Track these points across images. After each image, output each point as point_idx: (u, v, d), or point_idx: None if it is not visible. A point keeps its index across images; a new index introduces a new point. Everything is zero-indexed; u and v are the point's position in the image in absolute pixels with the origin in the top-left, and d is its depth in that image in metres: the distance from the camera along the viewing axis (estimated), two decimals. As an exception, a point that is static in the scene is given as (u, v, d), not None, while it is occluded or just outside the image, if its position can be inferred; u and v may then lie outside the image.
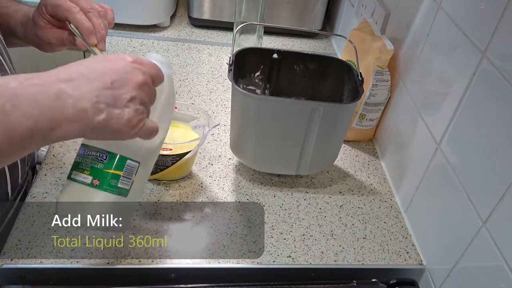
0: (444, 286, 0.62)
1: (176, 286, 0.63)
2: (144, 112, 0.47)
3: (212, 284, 0.64)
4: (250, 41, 1.03)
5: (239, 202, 0.73)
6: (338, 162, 0.84)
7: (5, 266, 0.59)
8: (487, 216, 0.54)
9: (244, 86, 0.80)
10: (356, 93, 0.71)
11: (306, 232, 0.70)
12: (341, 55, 0.91)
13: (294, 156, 0.72)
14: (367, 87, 0.81)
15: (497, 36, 0.54)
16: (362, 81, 0.71)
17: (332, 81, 0.79)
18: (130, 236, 0.65)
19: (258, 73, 0.80)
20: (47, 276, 0.61)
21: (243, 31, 1.02)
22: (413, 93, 0.76)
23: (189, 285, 0.63)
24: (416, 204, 0.72)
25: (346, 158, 0.86)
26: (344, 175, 0.82)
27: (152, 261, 0.62)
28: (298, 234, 0.69)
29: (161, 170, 0.70)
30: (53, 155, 0.76)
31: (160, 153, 0.66)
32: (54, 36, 0.65)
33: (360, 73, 0.72)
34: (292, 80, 0.80)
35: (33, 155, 0.75)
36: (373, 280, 0.66)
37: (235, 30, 1.03)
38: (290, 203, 0.74)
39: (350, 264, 0.66)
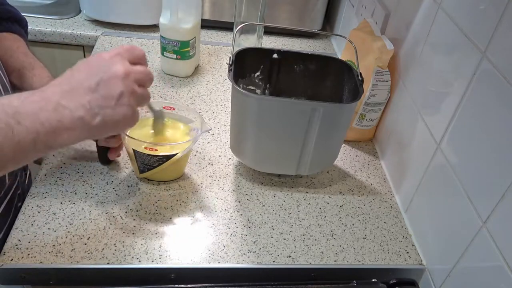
0: (444, 286, 0.63)
1: (176, 286, 0.63)
2: (138, 101, 0.51)
3: (212, 284, 0.64)
4: (250, 41, 1.03)
5: (239, 202, 0.73)
6: (338, 162, 0.84)
7: (5, 266, 0.59)
8: (487, 216, 0.54)
9: (244, 86, 0.80)
10: (356, 93, 0.71)
11: (306, 232, 0.70)
12: (341, 55, 0.91)
13: (294, 156, 0.72)
14: (367, 87, 0.81)
15: (497, 36, 0.54)
16: (362, 81, 0.71)
17: (332, 81, 0.79)
18: (130, 236, 0.65)
19: (258, 73, 0.80)
20: (47, 276, 0.61)
21: (243, 31, 1.02)
22: (413, 93, 0.76)
23: (189, 285, 0.63)
24: (416, 204, 0.72)
25: (346, 158, 0.86)
26: (344, 175, 0.82)
27: (152, 261, 0.62)
28: (298, 234, 0.69)
29: (148, 169, 0.70)
30: (53, 155, 0.76)
31: (146, 152, 0.67)
32: None
33: (360, 73, 0.72)
34: (292, 80, 0.81)
35: None
36: (373, 280, 0.66)
37: (235, 30, 1.03)
38: (290, 203, 0.74)
39: (350, 264, 0.66)
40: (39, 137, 0.44)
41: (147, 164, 0.69)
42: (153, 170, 0.70)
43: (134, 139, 0.65)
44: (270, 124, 0.69)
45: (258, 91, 0.82)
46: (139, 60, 0.52)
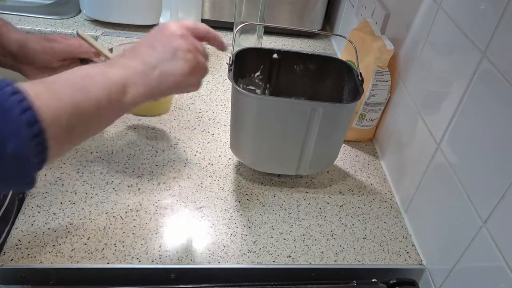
0: (444, 286, 0.63)
1: (176, 286, 0.63)
2: (196, 60, 0.53)
3: (212, 284, 0.64)
4: (250, 41, 1.03)
5: (239, 202, 0.73)
6: (338, 162, 0.84)
7: (5, 266, 0.59)
8: (487, 216, 0.54)
9: (244, 86, 0.80)
10: (356, 93, 0.71)
11: (306, 232, 0.70)
12: (341, 55, 0.91)
13: (294, 156, 0.72)
14: (367, 87, 0.81)
15: (497, 36, 0.54)
16: (362, 81, 0.71)
17: (332, 81, 0.79)
18: (130, 236, 0.65)
19: (258, 73, 0.80)
20: (47, 276, 0.61)
21: (243, 31, 1.02)
22: (413, 93, 0.76)
23: (189, 285, 0.64)
24: (416, 204, 0.72)
25: (346, 158, 0.86)
26: (344, 175, 0.82)
27: (152, 261, 0.62)
28: (298, 234, 0.69)
29: None
30: (53, 155, 0.76)
31: None
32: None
33: (360, 73, 0.72)
34: (292, 80, 0.81)
35: None
36: (373, 280, 0.66)
37: (235, 30, 1.03)
38: (290, 203, 0.74)
39: (350, 264, 0.66)
40: (111, 94, 0.46)
41: None
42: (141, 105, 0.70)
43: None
44: (270, 124, 0.68)
45: (258, 91, 0.82)
46: (198, 28, 0.56)
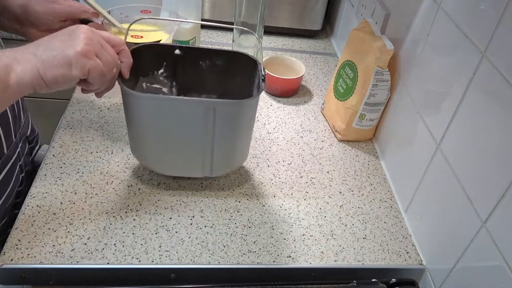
0: (444, 286, 0.63)
1: (176, 286, 0.63)
2: (94, 45, 0.53)
3: (212, 284, 0.64)
4: (250, 41, 1.03)
5: (239, 202, 0.73)
6: (338, 162, 0.84)
7: (5, 266, 0.59)
8: (487, 216, 0.54)
9: (148, 84, 0.75)
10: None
11: (306, 232, 0.70)
12: (341, 55, 0.91)
13: (196, 157, 0.68)
14: (367, 87, 0.81)
15: (497, 36, 0.54)
16: (265, 76, 0.67)
17: (241, 77, 0.75)
18: (130, 236, 0.65)
19: (161, 71, 0.75)
20: (47, 276, 0.61)
21: (243, 31, 1.02)
22: (413, 93, 0.76)
23: (189, 286, 0.64)
24: (416, 204, 0.72)
25: (346, 158, 0.86)
26: (344, 175, 0.82)
27: (152, 261, 0.62)
28: (298, 234, 0.69)
29: None
30: (53, 155, 0.76)
31: (132, 41, 0.68)
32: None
33: (264, 67, 0.68)
34: (199, 77, 0.76)
35: (23, 126, 0.76)
36: (373, 280, 0.66)
37: (235, 30, 1.03)
38: (290, 203, 0.74)
39: (350, 264, 0.66)
40: None
41: None
42: None
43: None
44: (163, 125, 0.64)
45: (164, 89, 0.77)
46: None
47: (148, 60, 0.72)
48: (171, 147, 0.67)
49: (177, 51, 0.73)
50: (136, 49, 0.68)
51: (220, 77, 0.76)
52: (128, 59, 0.60)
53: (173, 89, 0.78)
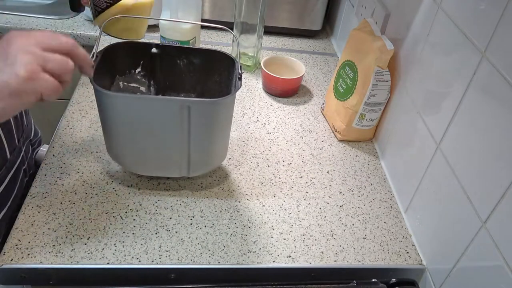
0: (444, 286, 0.63)
1: (176, 286, 0.63)
2: (38, 63, 0.46)
3: (212, 284, 0.64)
4: (250, 41, 1.03)
5: (239, 202, 0.73)
6: (338, 162, 0.84)
7: (5, 266, 0.59)
8: (487, 216, 0.54)
9: (125, 83, 0.74)
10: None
11: (306, 232, 0.70)
12: (341, 55, 0.91)
13: (172, 157, 0.67)
14: (367, 87, 0.81)
15: (497, 36, 0.54)
16: (241, 74, 0.66)
17: (219, 76, 0.74)
18: (130, 236, 0.65)
19: (139, 69, 0.74)
20: (47, 276, 0.61)
21: (243, 31, 1.02)
22: (413, 93, 0.76)
23: (189, 286, 0.64)
24: (416, 204, 0.72)
25: (346, 158, 0.86)
26: (344, 175, 0.82)
27: (152, 261, 0.62)
28: (298, 234, 0.69)
29: (99, 12, 0.67)
30: (53, 155, 0.76)
31: None
32: None
33: (241, 66, 0.67)
34: (178, 75, 0.75)
35: (25, 130, 0.76)
36: (373, 280, 0.66)
37: (235, 30, 1.03)
38: (290, 203, 0.74)
39: (350, 264, 0.66)
40: None
41: (96, 4, 0.67)
42: (102, 15, 0.67)
43: None
44: (137, 124, 0.62)
45: (142, 88, 0.76)
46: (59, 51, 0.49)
47: (124, 59, 0.71)
48: (146, 147, 0.65)
49: (154, 50, 0.72)
50: (111, 46, 0.67)
51: (198, 75, 0.75)
52: (84, 61, 0.53)
53: (151, 88, 0.77)
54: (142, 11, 0.70)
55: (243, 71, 0.67)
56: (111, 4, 0.67)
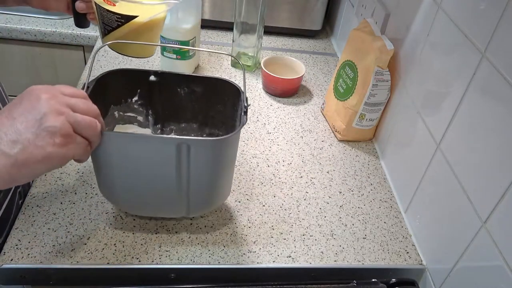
0: (444, 286, 0.63)
1: (176, 286, 0.63)
2: (64, 129, 0.45)
3: (212, 284, 0.64)
4: (250, 41, 1.03)
5: (239, 202, 0.73)
6: (338, 162, 0.84)
7: (5, 266, 0.59)
8: (487, 216, 0.54)
9: (121, 113, 0.69)
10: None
11: (306, 232, 0.70)
12: (341, 55, 0.91)
13: (170, 199, 0.61)
14: (367, 87, 0.81)
15: (497, 36, 0.54)
16: (247, 108, 0.60)
17: (224, 105, 0.69)
18: (130, 236, 0.65)
19: (136, 98, 0.69)
20: (47, 276, 0.61)
21: (243, 31, 1.02)
22: (413, 93, 0.76)
23: (189, 286, 0.64)
24: (416, 204, 0.72)
25: (346, 158, 0.86)
26: (344, 175, 0.82)
27: (152, 261, 0.62)
28: (298, 234, 0.69)
29: (108, 31, 0.64)
30: (53, 155, 0.76)
31: (105, 7, 0.61)
32: None
33: (247, 98, 0.61)
34: (178, 104, 0.70)
35: None
36: (373, 280, 0.66)
37: (235, 30, 1.03)
38: (290, 203, 0.74)
39: (350, 264, 0.66)
40: None
41: (106, 23, 0.63)
42: (113, 34, 0.64)
43: None
44: (130, 164, 0.56)
45: (139, 118, 0.72)
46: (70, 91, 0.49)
47: (119, 87, 0.66)
48: (142, 188, 0.59)
49: (152, 77, 0.67)
50: (105, 75, 0.62)
51: (200, 104, 0.70)
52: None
53: (149, 117, 0.72)
54: (156, 27, 0.67)
55: (249, 104, 0.62)
56: (123, 23, 0.63)
